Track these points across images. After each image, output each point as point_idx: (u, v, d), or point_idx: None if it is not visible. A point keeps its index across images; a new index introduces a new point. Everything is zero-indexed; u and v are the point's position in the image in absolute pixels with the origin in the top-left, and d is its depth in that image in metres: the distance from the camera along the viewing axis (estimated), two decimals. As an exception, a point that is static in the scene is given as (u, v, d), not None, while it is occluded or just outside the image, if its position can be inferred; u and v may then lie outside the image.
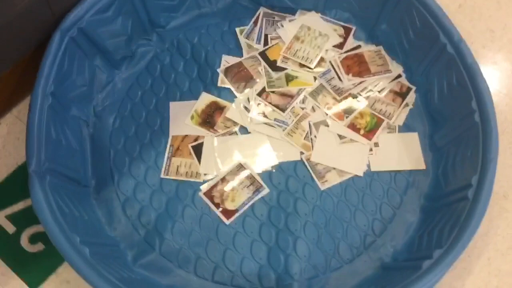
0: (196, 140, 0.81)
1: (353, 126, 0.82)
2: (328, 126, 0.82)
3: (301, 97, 0.85)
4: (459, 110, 0.75)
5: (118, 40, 0.85)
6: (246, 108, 0.84)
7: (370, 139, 0.81)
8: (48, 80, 0.72)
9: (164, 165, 0.79)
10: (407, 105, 0.85)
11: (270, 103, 0.84)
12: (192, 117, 0.83)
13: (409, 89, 0.86)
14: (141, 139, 0.81)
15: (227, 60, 0.89)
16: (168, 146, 0.80)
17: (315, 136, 0.81)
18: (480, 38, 0.93)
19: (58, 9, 0.76)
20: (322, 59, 0.89)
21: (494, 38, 0.93)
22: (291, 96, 0.85)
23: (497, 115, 0.83)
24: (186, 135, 0.82)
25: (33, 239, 0.72)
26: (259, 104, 0.84)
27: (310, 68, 0.87)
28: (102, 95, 0.85)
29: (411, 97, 0.85)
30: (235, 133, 0.82)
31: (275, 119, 0.83)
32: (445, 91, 0.79)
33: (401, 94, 0.86)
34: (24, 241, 0.72)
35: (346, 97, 0.85)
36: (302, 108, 0.84)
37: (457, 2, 0.97)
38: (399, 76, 0.87)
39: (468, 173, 0.68)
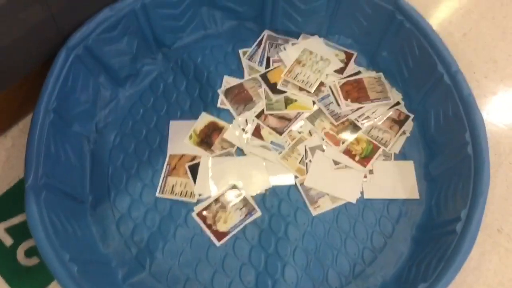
0: (193, 160, 0.82)
1: (348, 152, 0.83)
2: (323, 151, 0.83)
3: (298, 120, 0.86)
4: (454, 141, 0.75)
5: (124, 59, 0.87)
6: (244, 130, 0.85)
7: (365, 166, 0.81)
8: (51, 97, 0.74)
9: (160, 184, 0.80)
10: (404, 133, 0.85)
11: (268, 125, 0.85)
12: (190, 137, 0.84)
13: (407, 117, 0.86)
14: (139, 156, 0.83)
15: (228, 81, 0.91)
16: (165, 164, 0.82)
17: (310, 161, 0.82)
18: (483, 68, 0.93)
19: (64, 27, 0.78)
20: (322, 84, 0.89)
21: (497, 68, 0.93)
22: (289, 120, 0.86)
23: (496, 146, 0.83)
24: (184, 155, 0.83)
25: (28, 253, 0.74)
26: (256, 126, 0.85)
27: (309, 92, 0.88)
28: (105, 111, 0.87)
29: (409, 125, 0.85)
30: (232, 154, 0.83)
31: (271, 142, 0.84)
32: (441, 121, 0.79)
33: (399, 122, 0.86)
34: (20, 255, 0.74)
35: (343, 123, 0.85)
36: (299, 132, 0.85)
37: (462, 31, 0.97)
38: (397, 103, 0.87)
39: (459, 206, 0.68)
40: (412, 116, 0.86)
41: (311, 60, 0.92)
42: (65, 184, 0.74)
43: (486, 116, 0.87)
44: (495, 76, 0.92)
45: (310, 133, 0.85)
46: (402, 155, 0.83)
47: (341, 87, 0.88)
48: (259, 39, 0.95)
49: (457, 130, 0.74)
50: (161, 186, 0.80)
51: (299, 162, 0.82)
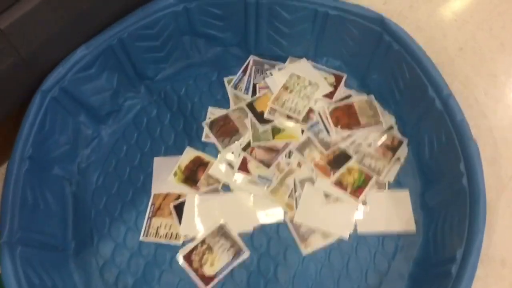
0: (178, 198, 0.79)
1: (340, 183, 0.79)
2: (313, 183, 0.79)
3: (287, 151, 0.82)
4: (448, 171, 0.70)
5: (104, 95, 0.85)
6: (229, 164, 0.82)
7: (357, 198, 0.77)
8: (26, 144, 0.72)
9: (144, 226, 0.77)
10: (398, 159, 0.80)
11: (255, 158, 0.81)
12: (175, 174, 0.81)
13: (400, 143, 0.82)
14: (123, 197, 0.80)
15: (213, 112, 0.87)
16: (149, 205, 0.79)
17: (299, 195, 0.78)
18: (482, 84, 0.88)
19: (38, 70, 0.76)
20: (310, 110, 0.85)
21: (497, 83, 0.88)
22: (277, 151, 0.82)
23: (497, 169, 0.78)
24: (168, 193, 0.80)
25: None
26: (243, 159, 0.82)
27: (298, 120, 0.84)
28: (87, 151, 0.84)
29: (403, 151, 0.81)
30: (218, 190, 0.80)
31: (258, 176, 0.80)
32: (435, 148, 0.74)
33: (393, 148, 0.81)
34: (0, 308, 0.72)
35: (334, 152, 0.81)
36: (288, 164, 0.81)
37: (458, 45, 0.92)
38: (390, 127, 0.83)
39: (455, 243, 0.63)
40: (406, 140, 0.82)
41: (299, 86, 0.88)
42: (44, 233, 0.72)
43: (486, 136, 0.82)
44: (495, 92, 0.87)
45: (299, 164, 0.81)
46: (397, 183, 0.79)
47: (330, 113, 0.84)
48: (244, 65, 0.92)
49: (452, 159, 0.69)
50: (145, 229, 0.77)
51: (288, 196, 0.78)
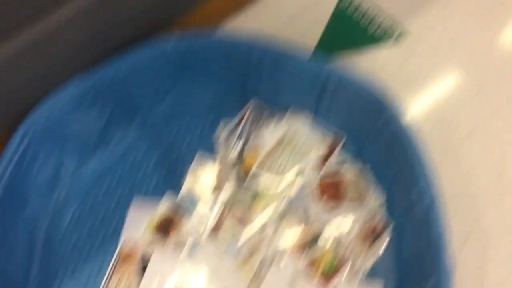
0: (144, 255, 0.77)
1: (310, 266, 0.75)
2: (282, 261, 0.75)
3: (263, 220, 0.78)
4: (419, 281, 0.65)
5: (93, 129, 0.83)
6: (203, 221, 0.79)
7: (325, 286, 0.73)
8: (-1, 182, 0.72)
9: (104, 281, 0.76)
10: (377, 248, 0.75)
11: (230, 218, 0.78)
12: (147, 226, 0.80)
13: (383, 229, 0.76)
14: (92, 242, 0.79)
15: (197, 164, 0.84)
16: (115, 256, 0.78)
17: (265, 274, 0.75)
18: (485, 177, 0.80)
19: (24, 104, 0.75)
20: (299, 175, 0.81)
21: (504, 176, 0.80)
22: (254, 216, 0.79)
23: (481, 279, 0.73)
24: (136, 247, 0.78)
25: None
26: (218, 220, 0.79)
27: (282, 185, 0.80)
28: (67, 185, 0.83)
29: (384, 239, 0.76)
30: (185, 251, 0.77)
31: (227, 246, 0.77)
32: (414, 251, 0.69)
33: (374, 233, 0.76)
34: None
35: (311, 226, 0.77)
36: (261, 234, 0.78)
37: (471, 125, 0.84)
38: (377, 209, 0.78)
39: None
40: (391, 225, 0.76)
41: (291, 144, 0.83)
42: (5, 276, 0.72)
43: (480, 236, 0.75)
44: (500, 183, 0.79)
45: (272, 237, 0.77)
46: (371, 273, 0.74)
47: (318, 184, 0.80)
48: (242, 111, 0.88)
49: (423, 271, 0.64)
50: (104, 284, 0.76)
51: (254, 273, 0.75)
